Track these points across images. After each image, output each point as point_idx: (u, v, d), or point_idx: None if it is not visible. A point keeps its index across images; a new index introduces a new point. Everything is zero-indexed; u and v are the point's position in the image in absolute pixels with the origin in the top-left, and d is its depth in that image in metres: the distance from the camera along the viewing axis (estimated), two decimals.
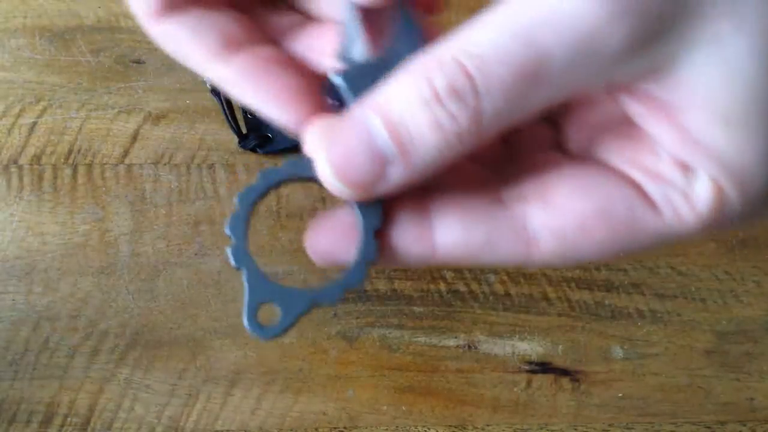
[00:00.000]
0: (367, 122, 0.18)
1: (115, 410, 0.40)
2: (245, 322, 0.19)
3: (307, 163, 0.19)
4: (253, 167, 0.45)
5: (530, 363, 0.42)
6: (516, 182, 0.20)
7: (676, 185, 0.18)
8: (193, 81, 0.47)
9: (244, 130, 0.45)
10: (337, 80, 0.20)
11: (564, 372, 0.42)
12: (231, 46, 0.21)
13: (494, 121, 0.17)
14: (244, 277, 0.19)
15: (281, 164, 0.20)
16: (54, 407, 0.40)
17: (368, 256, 0.19)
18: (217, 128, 0.46)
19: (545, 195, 0.19)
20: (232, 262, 0.19)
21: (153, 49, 0.47)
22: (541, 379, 0.42)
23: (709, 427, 0.41)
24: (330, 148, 0.18)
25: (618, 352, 0.42)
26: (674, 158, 0.18)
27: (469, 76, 0.17)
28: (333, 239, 0.20)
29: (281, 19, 0.23)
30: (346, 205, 0.20)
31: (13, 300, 0.42)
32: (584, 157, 0.20)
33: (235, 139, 0.45)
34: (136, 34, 0.47)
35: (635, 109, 0.18)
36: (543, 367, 0.42)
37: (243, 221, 0.20)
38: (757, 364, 0.43)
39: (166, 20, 0.21)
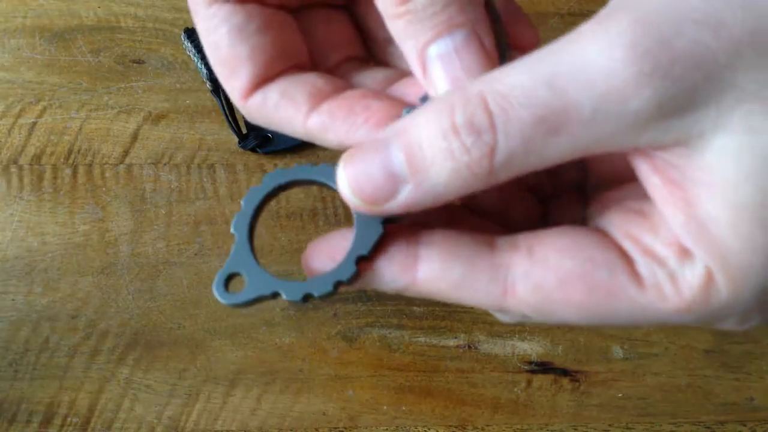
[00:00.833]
0: (388, 143, 0.18)
1: (115, 410, 0.40)
2: (215, 281, 0.20)
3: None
4: (253, 167, 0.45)
5: (530, 363, 0.42)
6: (514, 233, 0.20)
7: (666, 265, 0.18)
8: (193, 81, 0.47)
9: (244, 130, 0.45)
10: (404, 114, 0.20)
11: (564, 372, 0.42)
12: (320, 97, 0.22)
13: (508, 162, 0.17)
14: (233, 244, 0.21)
15: (319, 166, 0.21)
16: (54, 407, 0.40)
17: (340, 276, 0.20)
18: (217, 128, 0.46)
19: (534, 246, 0.19)
20: (232, 227, 0.21)
21: (153, 49, 0.47)
22: (541, 379, 0.42)
23: (709, 427, 0.41)
24: (351, 162, 0.19)
25: (618, 352, 0.42)
26: (674, 239, 0.18)
27: (489, 113, 0.17)
28: (325, 262, 0.20)
29: (375, 74, 0.24)
30: (351, 224, 0.20)
31: (13, 300, 0.42)
32: (589, 225, 0.20)
33: (235, 139, 0.45)
34: (136, 34, 0.47)
35: (650, 177, 0.18)
36: (543, 367, 0.42)
37: (260, 196, 0.21)
38: (757, 364, 0.43)
39: (256, 93, 0.22)
